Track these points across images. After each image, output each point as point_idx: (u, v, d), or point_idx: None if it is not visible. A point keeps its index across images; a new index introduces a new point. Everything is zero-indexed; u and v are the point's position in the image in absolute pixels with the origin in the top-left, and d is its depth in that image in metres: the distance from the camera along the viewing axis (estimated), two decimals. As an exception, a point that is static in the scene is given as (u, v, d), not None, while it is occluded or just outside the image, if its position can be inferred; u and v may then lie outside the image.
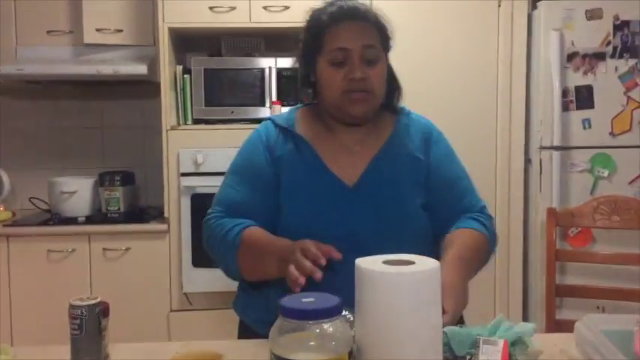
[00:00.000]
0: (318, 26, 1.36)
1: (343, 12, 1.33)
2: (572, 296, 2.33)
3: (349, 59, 1.31)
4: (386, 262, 0.85)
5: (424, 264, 0.84)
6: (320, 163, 1.38)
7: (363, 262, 0.84)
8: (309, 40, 1.39)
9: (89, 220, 2.81)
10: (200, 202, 2.71)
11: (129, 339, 1.23)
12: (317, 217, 1.34)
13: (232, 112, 2.82)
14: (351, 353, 0.84)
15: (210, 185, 2.69)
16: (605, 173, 2.69)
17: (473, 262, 1.28)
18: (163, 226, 2.73)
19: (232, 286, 2.70)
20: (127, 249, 2.71)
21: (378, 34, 1.35)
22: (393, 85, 1.44)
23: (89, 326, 1.02)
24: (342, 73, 1.31)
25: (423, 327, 0.82)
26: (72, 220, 2.79)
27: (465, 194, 1.42)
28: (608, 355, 0.74)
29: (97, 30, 2.85)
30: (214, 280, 2.72)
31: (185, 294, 2.74)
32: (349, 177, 1.37)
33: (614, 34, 2.66)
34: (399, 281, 0.80)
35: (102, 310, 1.05)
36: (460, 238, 1.31)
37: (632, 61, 2.66)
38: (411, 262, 0.84)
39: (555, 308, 2.21)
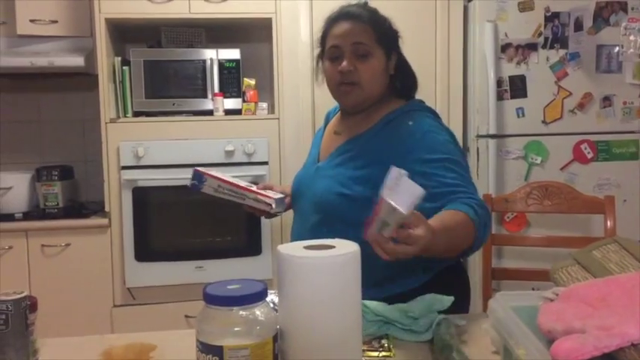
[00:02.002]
0: (323, 30, 1.51)
1: (339, 14, 1.47)
2: (508, 279, 2.41)
3: (342, 55, 1.44)
4: (307, 247, 0.87)
5: (344, 248, 0.86)
6: (319, 141, 1.61)
7: (284, 248, 0.86)
8: (319, 43, 1.53)
9: (27, 216, 2.75)
10: (142, 196, 2.69)
11: (72, 336, 1.22)
12: (297, 184, 1.58)
13: (174, 104, 2.79)
14: (276, 337, 0.86)
15: (152, 178, 2.67)
16: (538, 160, 2.79)
17: (451, 229, 1.19)
18: (104, 221, 2.69)
19: (176, 279, 2.71)
20: (67, 245, 2.66)
21: (373, 31, 1.44)
22: (401, 76, 1.52)
23: (15, 321, 1.00)
24: (337, 67, 1.44)
25: (343, 310, 0.85)
26: (8, 217, 2.72)
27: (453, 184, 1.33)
28: (514, 330, 0.78)
29: (31, 21, 2.78)
30: (158, 274, 2.71)
31: (128, 289, 2.71)
32: (325, 157, 1.53)
33: (545, 26, 2.76)
34: (318, 265, 0.83)
35: (29, 305, 1.04)
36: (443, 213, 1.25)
37: (562, 52, 2.77)
38: (332, 247, 0.87)
39: (491, 291, 2.29)
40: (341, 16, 1.46)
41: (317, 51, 1.55)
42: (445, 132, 1.44)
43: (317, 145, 1.62)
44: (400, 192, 0.98)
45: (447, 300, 1.14)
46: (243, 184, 1.47)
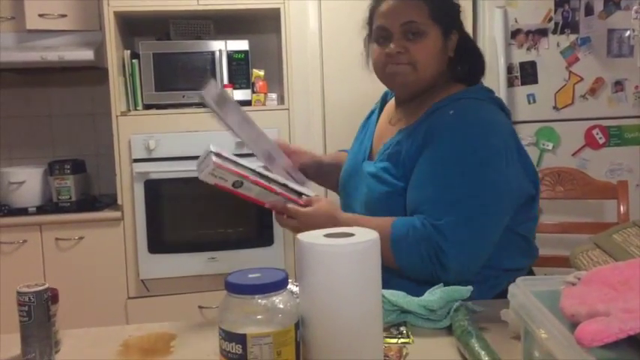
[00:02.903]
0: (370, 7, 1.35)
1: None
2: (521, 265, 2.41)
3: (391, 37, 1.28)
4: (327, 236, 0.87)
5: (363, 236, 0.86)
6: (371, 131, 1.46)
7: (304, 236, 0.86)
8: (366, 23, 1.38)
9: (40, 210, 2.77)
10: (154, 188, 2.70)
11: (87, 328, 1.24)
12: (345, 179, 1.47)
13: (184, 97, 2.80)
14: (297, 324, 0.87)
15: (164, 170, 2.68)
16: (550, 146, 2.78)
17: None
18: (117, 214, 2.71)
19: (189, 271, 2.72)
20: (81, 238, 2.68)
21: (427, 6, 1.26)
22: (464, 59, 1.33)
23: (38, 313, 1.01)
24: (384, 50, 1.29)
25: (364, 297, 0.85)
26: (22, 211, 2.74)
27: (417, 200, 1.24)
28: (536, 314, 0.78)
29: (40, 15, 2.78)
30: (171, 265, 2.73)
31: (142, 280, 2.73)
32: (377, 147, 1.40)
33: (556, 11, 2.74)
34: (338, 253, 0.83)
35: (50, 297, 1.05)
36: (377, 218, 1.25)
37: (572, 37, 2.75)
38: (351, 235, 0.87)
39: (504, 278, 2.29)
40: None
41: (365, 32, 1.39)
42: (492, 136, 1.21)
43: (370, 133, 1.47)
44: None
45: (466, 290, 1.14)
46: (270, 176, 1.28)
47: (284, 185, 1.27)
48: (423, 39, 1.26)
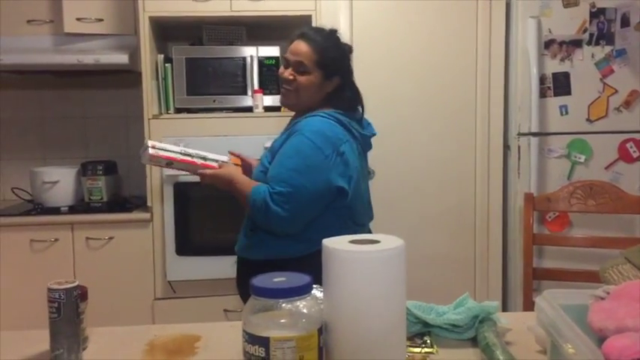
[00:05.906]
0: (290, 40, 1.83)
1: (299, 33, 1.80)
2: (549, 279, 2.38)
3: (289, 66, 1.80)
4: (352, 242, 0.87)
5: (389, 243, 0.86)
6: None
7: (330, 242, 0.87)
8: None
9: (72, 209, 2.82)
10: (183, 191, 2.73)
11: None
12: None
13: (214, 101, 2.83)
14: (321, 329, 0.87)
15: (193, 174, 2.71)
16: (582, 158, 2.74)
17: (235, 189, 1.76)
18: (146, 215, 2.74)
19: (216, 274, 2.74)
20: (110, 238, 2.72)
21: (316, 55, 1.75)
22: (337, 96, 1.81)
23: (67, 309, 1.03)
24: (284, 72, 1.82)
25: (388, 304, 0.85)
26: (55, 210, 2.80)
27: (269, 174, 1.72)
28: (563, 328, 0.77)
29: (78, 19, 2.84)
30: (198, 268, 2.75)
31: (169, 282, 2.76)
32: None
33: (591, 22, 2.70)
34: (363, 259, 0.83)
35: (80, 294, 1.07)
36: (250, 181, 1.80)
37: (608, 48, 2.70)
38: (377, 242, 0.87)
39: (532, 291, 2.26)
40: (300, 35, 1.80)
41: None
42: (318, 139, 1.66)
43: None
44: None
45: (493, 307, 1.13)
46: (193, 153, 1.82)
47: (203, 157, 1.82)
48: (306, 75, 1.77)
